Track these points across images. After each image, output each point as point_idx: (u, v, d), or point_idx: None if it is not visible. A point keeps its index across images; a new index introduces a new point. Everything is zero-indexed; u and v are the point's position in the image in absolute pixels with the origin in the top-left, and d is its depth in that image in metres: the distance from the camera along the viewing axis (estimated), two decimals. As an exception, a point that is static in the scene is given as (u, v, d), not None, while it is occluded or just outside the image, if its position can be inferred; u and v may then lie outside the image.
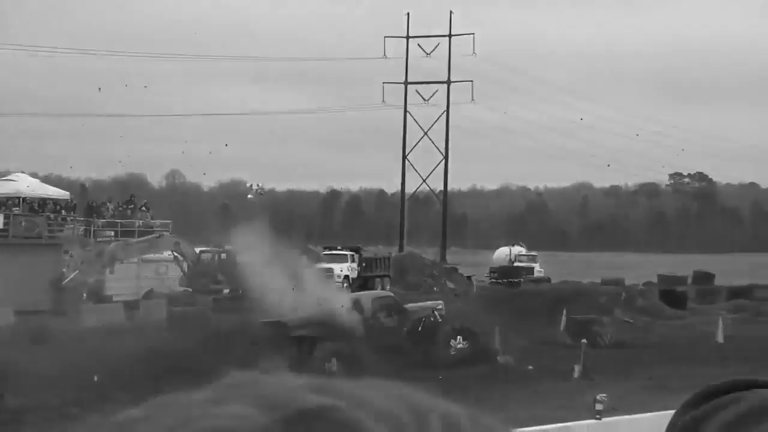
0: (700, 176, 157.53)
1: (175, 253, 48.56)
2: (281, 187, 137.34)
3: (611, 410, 19.89)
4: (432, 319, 39.63)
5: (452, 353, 38.09)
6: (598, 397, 20.73)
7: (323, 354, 36.25)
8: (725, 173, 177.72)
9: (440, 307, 40.93)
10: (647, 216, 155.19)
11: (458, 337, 38.92)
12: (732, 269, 79.09)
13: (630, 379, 29.85)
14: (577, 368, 33.87)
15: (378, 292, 46.18)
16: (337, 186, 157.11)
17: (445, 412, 0.72)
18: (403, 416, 0.70)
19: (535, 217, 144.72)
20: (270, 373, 0.74)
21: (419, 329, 39.00)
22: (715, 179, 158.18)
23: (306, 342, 36.36)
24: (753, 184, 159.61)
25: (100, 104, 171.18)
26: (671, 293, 57.90)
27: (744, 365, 34.18)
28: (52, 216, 52.64)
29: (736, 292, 63.37)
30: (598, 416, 20.32)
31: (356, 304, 38.86)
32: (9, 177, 54.57)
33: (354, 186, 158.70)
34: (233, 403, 0.68)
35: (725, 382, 1.37)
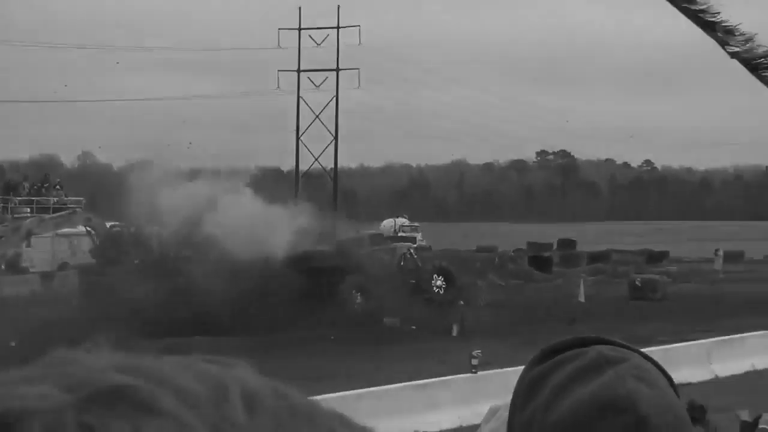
0: (564, 153, 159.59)
1: (88, 228, 47.81)
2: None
3: (485, 365, 19.93)
4: (408, 256, 39.80)
5: (435, 290, 38.33)
6: (473, 353, 20.78)
7: (348, 287, 35.91)
8: (585, 150, 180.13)
9: (415, 246, 40.97)
10: (517, 190, 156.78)
11: (438, 275, 39.29)
12: (591, 237, 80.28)
13: (502, 336, 30.01)
14: (455, 327, 34.01)
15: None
16: (237, 165, 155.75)
17: (246, 387, 0.67)
18: (203, 393, 0.65)
19: (416, 191, 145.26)
20: (91, 351, 0.69)
21: (401, 264, 39.19)
22: (576, 156, 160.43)
23: (332, 274, 35.64)
24: (609, 160, 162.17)
25: (15, 92, 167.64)
26: (539, 258, 58.69)
27: (601, 321, 34.67)
28: (-30, 195, 51.54)
29: (595, 257, 64.43)
30: (473, 371, 20.37)
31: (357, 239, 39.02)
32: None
33: (251, 165, 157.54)
34: (42, 382, 0.64)
35: (569, 339, 1.39)
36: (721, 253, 63.30)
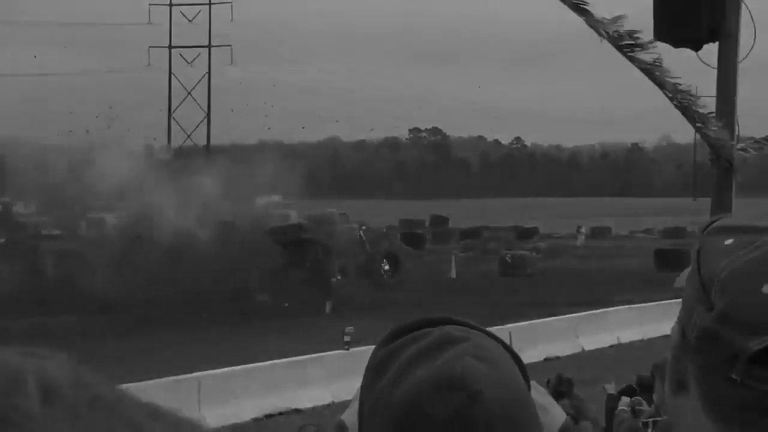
0: (435, 131, 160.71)
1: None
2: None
3: (358, 341, 20.01)
4: (359, 238, 40.70)
5: (383, 274, 39.05)
6: (346, 330, 20.83)
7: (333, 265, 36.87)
8: (457, 128, 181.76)
9: (364, 228, 42.10)
10: (390, 167, 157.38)
11: (384, 260, 40.02)
12: (464, 213, 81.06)
13: (375, 312, 30.14)
14: (328, 304, 34.03)
15: None
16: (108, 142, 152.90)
17: (45, 376, 0.64)
18: None
19: (290, 169, 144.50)
20: None
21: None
22: (448, 133, 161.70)
23: (318, 248, 36.79)
24: (481, 137, 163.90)
25: None
26: (411, 235, 58.98)
27: (473, 297, 35.08)
28: None
29: (466, 234, 65.12)
30: (346, 347, 20.42)
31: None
32: None
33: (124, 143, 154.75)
34: None
35: (417, 319, 1.42)
36: (583, 230, 64.58)
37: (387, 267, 40.24)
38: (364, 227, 42.94)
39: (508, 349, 1.41)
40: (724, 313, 1.16)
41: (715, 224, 1.25)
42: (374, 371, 1.37)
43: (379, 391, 1.34)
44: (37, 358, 0.67)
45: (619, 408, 9.24)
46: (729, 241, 1.21)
